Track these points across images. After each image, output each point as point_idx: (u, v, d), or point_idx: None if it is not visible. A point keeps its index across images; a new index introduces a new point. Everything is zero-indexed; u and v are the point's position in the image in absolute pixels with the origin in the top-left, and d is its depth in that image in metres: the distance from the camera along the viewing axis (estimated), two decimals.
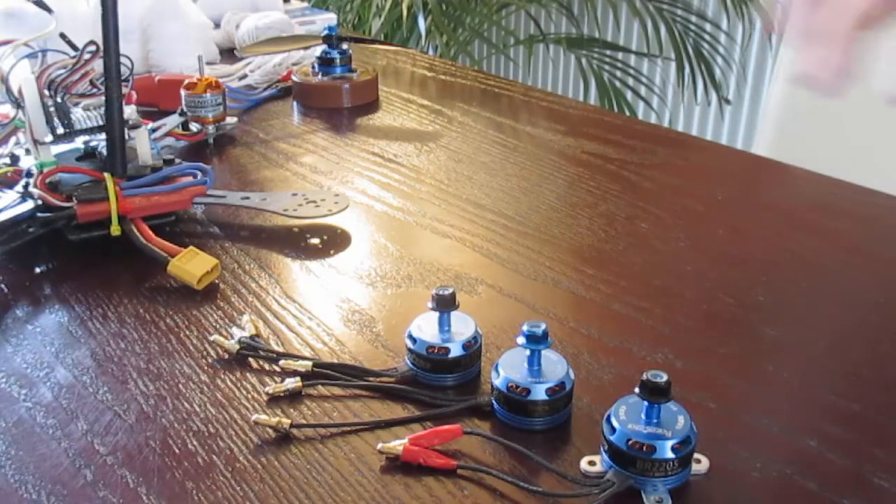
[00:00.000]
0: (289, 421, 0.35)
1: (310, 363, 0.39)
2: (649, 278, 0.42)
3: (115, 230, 0.49)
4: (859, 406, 0.37)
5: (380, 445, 0.34)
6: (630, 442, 0.31)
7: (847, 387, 0.38)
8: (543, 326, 0.35)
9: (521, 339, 0.35)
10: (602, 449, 0.33)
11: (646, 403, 0.31)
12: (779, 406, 0.37)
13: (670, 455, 0.31)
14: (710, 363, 0.40)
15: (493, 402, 0.36)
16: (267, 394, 0.37)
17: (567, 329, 0.43)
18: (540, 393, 0.35)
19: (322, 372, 0.39)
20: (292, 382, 0.38)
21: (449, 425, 0.35)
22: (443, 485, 0.33)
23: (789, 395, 0.38)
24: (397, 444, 0.33)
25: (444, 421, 0.36)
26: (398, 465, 0.33)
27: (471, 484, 0.33)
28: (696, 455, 0.32)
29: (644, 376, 0.31)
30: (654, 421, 0.32)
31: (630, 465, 0.31)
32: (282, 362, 0.39)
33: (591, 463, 0.33)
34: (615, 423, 0.32)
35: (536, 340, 0.35)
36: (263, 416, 0.35)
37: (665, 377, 0.31)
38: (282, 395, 0.37)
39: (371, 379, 0.39)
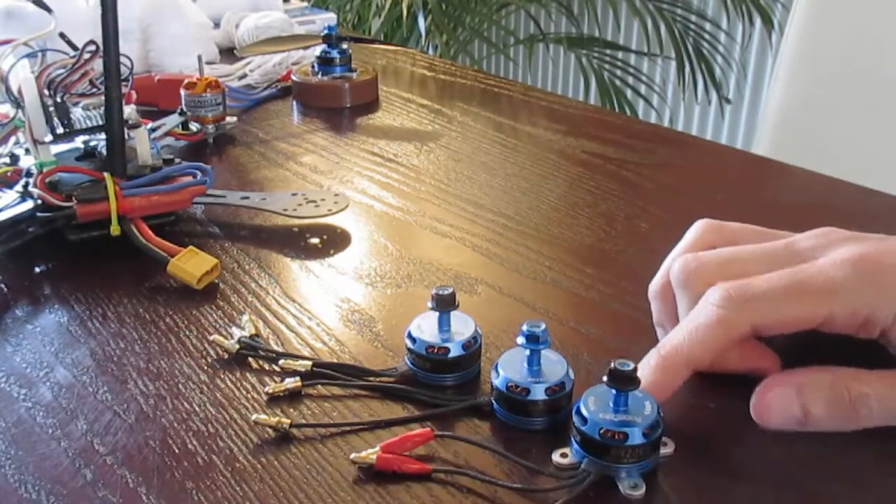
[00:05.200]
0: (288, 421, 0.35)
1: (309, 363, 0.39)
2: (649, 278, 0.42)
3: (115, 230, 0.49)
4: None
5: (353, 455, 0.33)
6: (602, 431, 0.31)
7: None
8: (543, 326, 0.35)
9: (520, 339, 0.35)
10: (573, 440, 0.33)
11: (614, 392, 0.32)
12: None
13: (641, 440, 0.31)
14: None
15: (493, 401, 0.36)
16: (267, 393, 0.37)
17: (567, 329, 0.43)
18: (539, 393, 0.35)
19: (322, 372, 0.39)
20: (292, 382, 0.38)
21: (419, 430, 0.34)
22: (441, 484, 0.33)
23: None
24: (370, 452, 0.33)
25: (444, 421, 0.36)
26: (374, 475, 0.33)
27: (466, 489, 0.33)
28: (663, 438, 0.33)
29: (612, 365, 0.32)
30: (623, 408, 0.32)
31: (604, 454, 0.32)
32: (281, 362, 0.39)
33: (564, 455, 0.33)
34: (585, 414, 0.32)
35: (536, 340, 0.35)
36: (263, 416, 0.35)
37: (632, 365, 0.32)
38: (281, 394, 0.37)
39: (371, 379, 0.39)
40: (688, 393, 0.36)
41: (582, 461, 0.32)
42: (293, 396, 0.37)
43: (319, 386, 0.38)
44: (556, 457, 0.33)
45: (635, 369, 0.32)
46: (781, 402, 0.34)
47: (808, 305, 0.34)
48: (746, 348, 0.36)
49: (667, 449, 0.33)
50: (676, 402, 0.35)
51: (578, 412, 0.33)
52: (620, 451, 0.31)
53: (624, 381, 0.32)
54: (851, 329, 0.35)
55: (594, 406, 0.32)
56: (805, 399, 0.33)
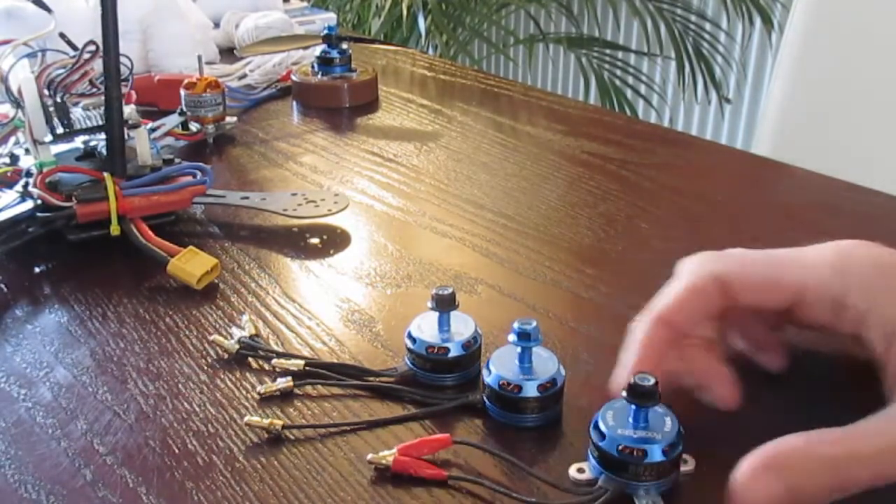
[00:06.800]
0: (281, 422, 0.35)
1: (302, 362, 0.39)
2: (649, 278, 0.42)
3: (115, 230, 0.49)
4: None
5: (369, 456, 0.33)
6: (620, 448, 0.31)
7: None
8: (534, 324, 0.35)
9: (512, 337, 0.35)
10: (590, 455, 0.32)
11: (633, 407, 0.31)
12: (767, 403, 0.37)
13: (661, 458, 0.30)
14: None
15: (485, 399, 0.36)
16: (259, 394, 0.37)
17: (567, 329, 0.43)
18: (531, 390, 0.35)
19: (315, 371, 0.39)
20: (283, 382, 0.37)
21: (439, 435, 0.34)
22: (443, 487, 0.33)
23: (781, 395, 0.38)
24: (387, 454, 0.33)
25: (438, 420, 0.36)
26: (376, 475, 0.33)
27: (466, 492, 0.33)
28: (683, 456, 0.32)
29: (632, 380, 0.31)
30: (643, 424, 0.31)
31: (622, 471, 0.31)
32: (274, 361, 0.39)
33: (580, 470, 0.32)
34: (603, 429, 0.31)
35: (528, 338, 0.35)
36: (255, 418, 0.35)
37: (652, 380, 0.31)
38: (276, 394, 0.37)
39: (370, 379, 0.39)
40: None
41: (599, 477, 0.32)
42: (292, 397, 0.37)
43: (319, 386, 0.38)
44: (572, 471, 0.32)
45: (656, 384, 0.31)
46: (765, 485, 0.29)
47: (777, 268, 0.34)
48: (699, 358, 0.35)
49: (687, 467, 0.32)
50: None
51: (596, 427, 0.32)
52: (639, 469, 0.31)
53: (644, 397, 0.31)
54: (825, 316, 0.34)
55: (613, 421, 0.31)
56: (792, 480, 0.29)
